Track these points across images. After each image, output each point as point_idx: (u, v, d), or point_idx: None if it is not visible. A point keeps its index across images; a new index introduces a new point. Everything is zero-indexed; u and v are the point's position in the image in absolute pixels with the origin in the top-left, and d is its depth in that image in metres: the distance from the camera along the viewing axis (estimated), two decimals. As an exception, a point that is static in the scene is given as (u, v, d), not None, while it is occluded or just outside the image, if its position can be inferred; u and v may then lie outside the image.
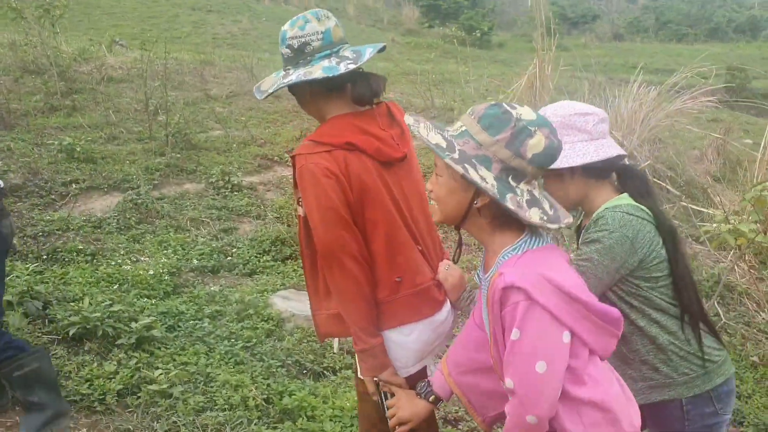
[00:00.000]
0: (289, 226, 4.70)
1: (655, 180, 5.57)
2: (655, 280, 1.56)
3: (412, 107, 8.72)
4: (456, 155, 1.23)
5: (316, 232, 1.58)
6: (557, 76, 9.15)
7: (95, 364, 2.59)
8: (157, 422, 2.31)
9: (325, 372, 2.91)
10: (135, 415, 2.34)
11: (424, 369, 1.72)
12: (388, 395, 1.62)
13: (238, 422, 2.24)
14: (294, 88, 1.67)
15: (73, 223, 4.29)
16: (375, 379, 1.63)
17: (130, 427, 2.27)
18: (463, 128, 1.27)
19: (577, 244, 1.67)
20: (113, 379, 2.49)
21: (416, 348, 1.65)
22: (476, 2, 30.03)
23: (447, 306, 1.71)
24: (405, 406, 1.54)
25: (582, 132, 1.58)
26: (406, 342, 1.64)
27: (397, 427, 1.55)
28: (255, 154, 6.25)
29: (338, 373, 2.88)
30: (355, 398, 2.05)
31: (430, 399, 1.54)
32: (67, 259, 3.80)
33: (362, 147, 1.60)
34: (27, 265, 3.45)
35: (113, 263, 3.79)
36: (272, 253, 4.30)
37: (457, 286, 1.70)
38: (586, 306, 1.23)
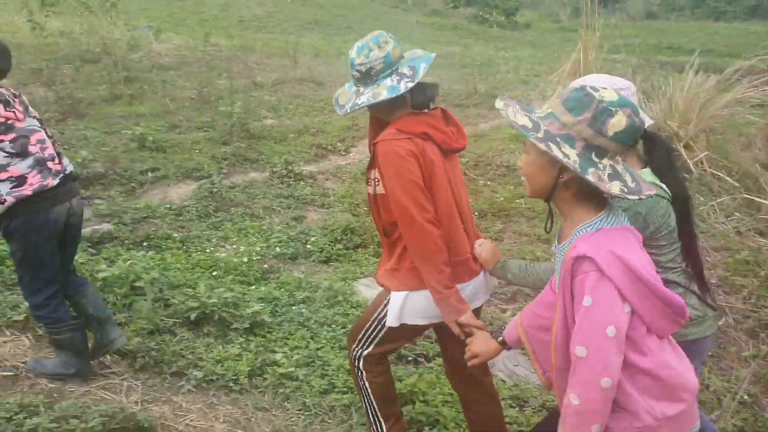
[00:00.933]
0: (355, 215, 4.90)
1: (711, 171, 5.66)
2: (659, 247, 1.73)
3: (454, 94, 8.82)
4: (541, 134, 1.34)
5: (398, 201, 1.90)
6: (601, 61, 9.19)
7: (220, 347, 2.83)
8: (288, 402, 2.54)
9: (418, 359, 3.12)
10: (266, 395, 2.57)
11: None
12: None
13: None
14: (375, 106, 1.99)
15: (159, 211, 4.54)
16: (457, 321, 1.92)
17: (265, 405, 2.51)
18: (549, 110, 1.39)
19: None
20: (240, 362, 2.72)
21: None
22: (502, -18, 29.51)
23: (481, 275, 2.08)
24: (479, 343, 1.78)
25: None
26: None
27: (472, 359, 1.81)
28: (310, 144, 6.45)
29: (433, 360, 3.08)
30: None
31: (499, 340, 1.75)
32: (162, 246, 4.04)
33: (434, 137, 1.97)
34: (132, 251, 3.71)
35: (206, 250, 4.02)
36: (344, 242, 4.50)
37: (491, 259, 2.02)
38: (649, 287, 1.32)
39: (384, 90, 1.92)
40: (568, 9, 27.72)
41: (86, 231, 4.03)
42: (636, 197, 1.34)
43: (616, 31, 25.81)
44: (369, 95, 1.94)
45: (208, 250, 4.04)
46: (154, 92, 7.61)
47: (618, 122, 1.32)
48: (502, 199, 5.33)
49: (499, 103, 1.44)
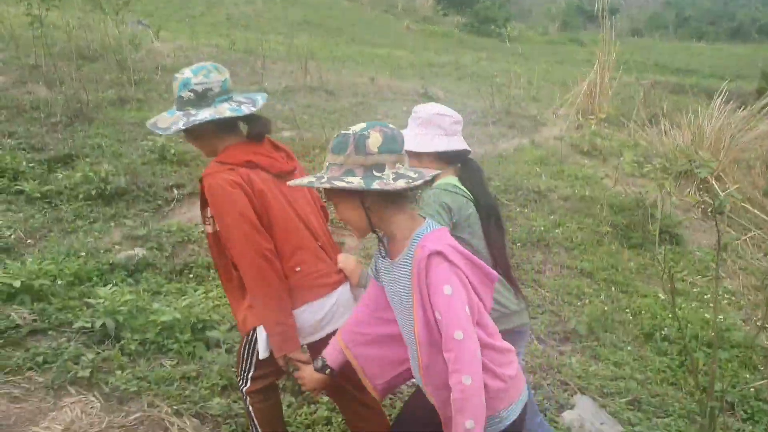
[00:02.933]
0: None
1: (742, 204, 5.61)
2: (465, 240, 1.97)
3: (468, 109, 8.66)
4: (324, 180, 1.57)
5: (230, 236, 1.90)
6: (615, 82, 9.15)
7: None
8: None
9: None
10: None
11: (327, 337, 2.00)
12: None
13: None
14: (193, 127, 1.94)
15: (193, 234, 4.24)
16: (286, 356, 1.95)
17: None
18: (327, 163, 1.61)
19: None
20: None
21: (319, 318, 2.00)
22: (492, -8, 29.58)
23: (346, 285, 2.09)
24: (308, 379, 1.90)
25: (440, 128, 2.07)
26: (311, 316, 1.98)
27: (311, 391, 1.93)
28: (335, 159, 6.19)
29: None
30: None
31: (326, 372, 1.86)
32: (202, 276, 3.76)
33: (259, 162, 1.97)
34: (175, 283, 3.42)
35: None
36: None
37: (356, 270, 2.11)
38: (477, 266, 1.62)
39: (226, 110, 1.93)
40: (557, 23, 27.96)
41: (121, 258, 3.72)
42: (421, 181, 1.55)
43: (605, 47, 25.96)
44: (210, 112, 1.92)
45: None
46: (161, 97, 7.24)
47: (375, 139, 1.56)
48: (542, 228, 5.18)
49: (299, 181, 1.64)
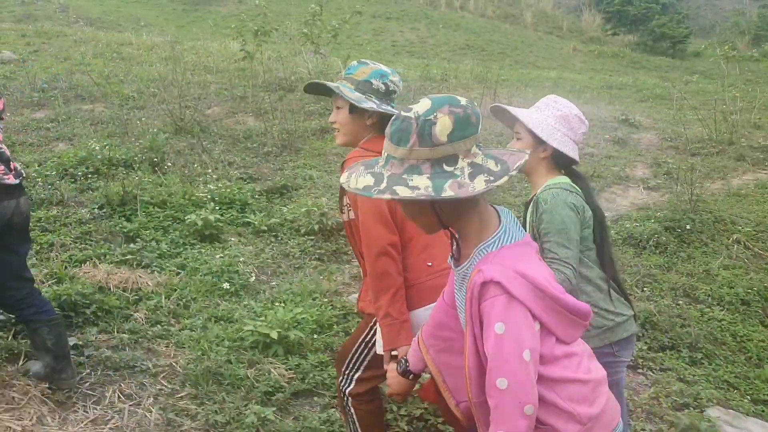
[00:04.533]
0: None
1: None
2: (584, 244, 1.94)
3: (683, 138, 7.62)
4: (384, 185, 1.28)
5: (366, 227, 1.88)
6: None
7: None
8: None
9: None
10: None
11: None
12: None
13: None
14: (362, 109, 1.97)
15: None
16: (392, 352, 1.86)
17: None
18: (386, 154, 1.33)
19: (524, 217, 2.07)
20: None
21: None
22: (668, 6, 27.36)
23: None
24: (391, 381, 1.70)
25: (572, 131, 2.02)
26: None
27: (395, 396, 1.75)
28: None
29: None
30: None
31: (410, 378, 1.67)
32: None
33: None
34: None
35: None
36: None
37: None
38: (555, 300, 1.33)
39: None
40: (747, 37, 24.93)
41: (351, 300, 3.50)
42: (504, 180, 1.28)
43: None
44: (393, 109, 1.97)
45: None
46: (357, 126, 7.23)
47: (443, 125, 1.28)
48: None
49: (342, 178, 1.40)
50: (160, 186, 4.69)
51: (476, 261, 1.34)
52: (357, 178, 1.33)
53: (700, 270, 4.42)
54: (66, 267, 3.41)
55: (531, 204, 2.02)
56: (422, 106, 1.29)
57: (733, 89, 8.70)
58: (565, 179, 2.01)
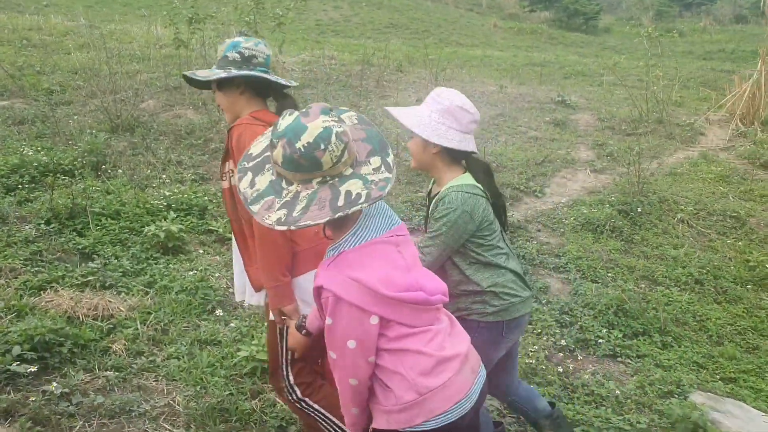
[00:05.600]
0: (615, 288, 4.17)
1: None
2: (484, 237, 2.03)
3: (616, 118, 7.96)
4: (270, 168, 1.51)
5: None
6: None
7: None
8: None
9: None
10: None
11: None
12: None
13: None
14: (227, 82, 2.05)
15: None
16: (280, 308, 1.98)
17: None
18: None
19: (427, 210, 2.18)
20: None
21: None
22: (579, -16, 28.31)
23: None
24: (291, 335, 1.92)
25: (457, 122, 1.99)
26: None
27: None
28: (500, 183, 5.72)
29: None
30: None
31: (303, 333, 1.87)
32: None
33: None
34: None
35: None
36: (620, 328, 3.70)
37: None
38: (390, 298, 1.47)
39: (265, 75, 2.03)
40: (650, 12, 26.36)
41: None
42: (284, 228, 1.40)
43: (705, 35, 24.34)
44: (254, 72, 2.02)
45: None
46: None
47: (278, 153, 1.42)
48: (757, 265, 4.52)
49: (269, 218, 1.47)
50: (109, 194, 4.34)
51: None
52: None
53: (655, 252, 4.68)
54: (22, 296, 3.09)
55: (433, 200, 2.07)
56: (282, 124, 1.42)
57: (655, 68, 9.14)
58: (467, 179, 2.02)
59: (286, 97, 2.08)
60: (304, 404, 2.07)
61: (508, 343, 2.18)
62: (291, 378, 2.07)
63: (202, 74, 2.06)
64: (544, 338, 3.50)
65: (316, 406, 2.07)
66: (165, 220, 3.96)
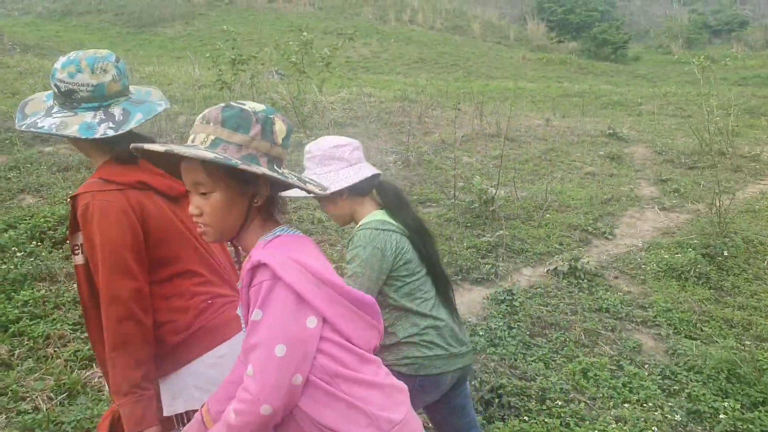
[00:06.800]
0: (725, 347, 3.73)
1: None
2: (400, 278, 1.89)
3: (674, 151, 7.55)
4: (228, 154, 1.23)
5: (102, 277, 1.52)
6: None
7: None
8: None
9: None
10: None
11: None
12: None
13: None
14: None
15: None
16: None
17: None
18: (212, 137, 1.25)
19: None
20: None
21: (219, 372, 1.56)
22: (605, 14, 28.33)
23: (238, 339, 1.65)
24: None
25: (341, 161, 1.91)
26: (214, 366, 1.61)
27: None
28: (564, 224, 5.34)
29: None
30: None
31: None
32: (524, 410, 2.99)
33: (155, 186, 1.65)
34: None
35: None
36: (735, 396, 3.27)
37: None
38: (335, 288, 1.23)
39: (76, 125, 1.56)
40: (680, 40, 26.02)
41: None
42: (322, 191, 1.36)
43: (738, 62, 23.78)
44: (56, 122, 1.57)
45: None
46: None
47: (281, 128, 1.30)
48: None
49: (159, 147, 1.21)
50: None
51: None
52: (189, 149, 1.21)
53: (751, 302, 4.22)
54: (72, 369, 2.79)
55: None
56: (257, 105, 1.29)
57: (707, 96, 8.75)
58: (378, 215, 1.93)
59: (133, 138, 1.61)
60: None
61: (423, 401, 1.97)
62: None
63: (30, 110, 1.65)
64: (651, 410, 3.06)
65: None
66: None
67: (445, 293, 1.99)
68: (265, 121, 1.26)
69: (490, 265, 4.46)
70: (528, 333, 3.71)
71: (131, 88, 1.68)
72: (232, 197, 1.28)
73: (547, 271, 4.52)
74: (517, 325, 3.77)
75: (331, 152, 1.89)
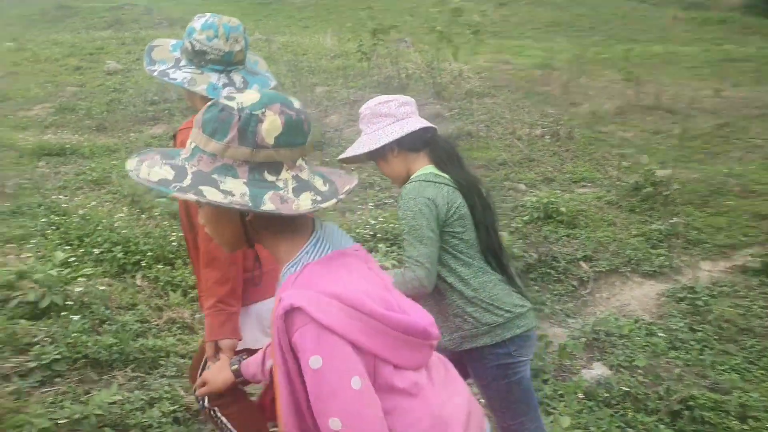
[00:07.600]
0: None
1: None
2: (455, 234, 1.80)
3: None
4: (187, 181, 1.07)
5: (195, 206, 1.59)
6: None
7: None
8: None
9: None
10: None
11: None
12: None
13: None
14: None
15: (634, 336, 3.11)
16: (217, 342, 1.68)
17: None
18: (192, 145, 1.11)
19: None
20: None
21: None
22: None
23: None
24: (212, 369, 1.57)
25: (388, 116, 1.86)
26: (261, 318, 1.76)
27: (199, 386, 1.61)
28: (748, 212, 4.61)
29: None
30: None
31: (233, 368, 1.52)
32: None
33: None
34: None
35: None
36: None
37: None
38: (374, 316, 1.07)
39: (204, 84, 1.70)
40: None
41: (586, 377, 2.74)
42: (332, 202, 1.11)
43: None
44: (186, 77, 1.71)
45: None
46: (487, 128, 6.40)
47: (272, 125, 1.07)
48: None
49: (130, 164, 1.11)
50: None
51: (279, 288, 1.18)
52: (151, 168, 1.10)
53: None
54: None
55: None
56: (250, 97, 1.09)
57: None
58: (428, 169, 1.87)
59: None
60: (213, 413, 1.86)
61: (522, 366, 1.85)
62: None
63: (158, 56, 1.79)
64: None
65: (224, 419, 1.86)
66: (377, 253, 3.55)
67: (498, 261, 1.88)
68: (246, 121, 1.05)
69: (663, 257, 3.94)
70: (716, 338, 3.22)
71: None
72: (217, 213, 1.14)
73: (734, 266, 3.92)
74: (702, 327, 3.29)
75: (377, 109, 1.87)
